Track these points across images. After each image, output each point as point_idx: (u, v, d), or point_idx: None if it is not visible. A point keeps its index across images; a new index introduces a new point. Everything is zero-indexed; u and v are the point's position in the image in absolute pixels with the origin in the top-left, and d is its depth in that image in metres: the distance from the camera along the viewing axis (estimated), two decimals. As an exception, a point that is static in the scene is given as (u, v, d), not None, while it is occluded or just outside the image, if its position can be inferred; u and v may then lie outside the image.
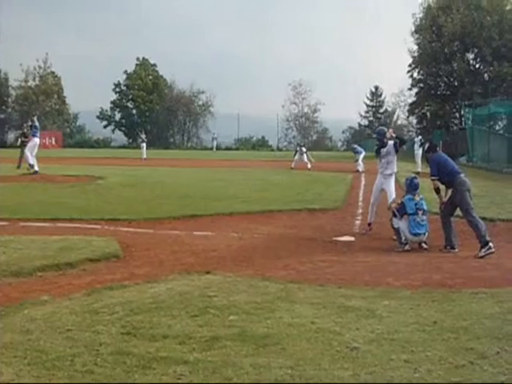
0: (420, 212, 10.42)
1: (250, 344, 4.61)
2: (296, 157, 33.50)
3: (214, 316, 5.39)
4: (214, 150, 71.89)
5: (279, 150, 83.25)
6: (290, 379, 3.93)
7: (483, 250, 9.41)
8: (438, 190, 10.45)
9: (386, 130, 12.54)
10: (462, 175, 10.35)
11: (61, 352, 4.46)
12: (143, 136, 46.54)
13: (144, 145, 43.02)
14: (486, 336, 4.79)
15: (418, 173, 28.24)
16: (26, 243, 9.23)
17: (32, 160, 23.90)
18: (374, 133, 12.75)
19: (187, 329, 5.01)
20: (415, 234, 10.29)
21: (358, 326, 5.07)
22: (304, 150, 34.33)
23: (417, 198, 10.53)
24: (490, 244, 9.47)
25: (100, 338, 4.78)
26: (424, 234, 10.37)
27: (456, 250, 10.00)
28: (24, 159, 26.87)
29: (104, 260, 8.62)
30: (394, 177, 12.22)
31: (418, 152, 30.85)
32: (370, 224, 12.11)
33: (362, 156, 31.40)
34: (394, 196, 11.80)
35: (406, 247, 10.25)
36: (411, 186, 10.73)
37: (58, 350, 4.50)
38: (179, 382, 3.92)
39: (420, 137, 32.10)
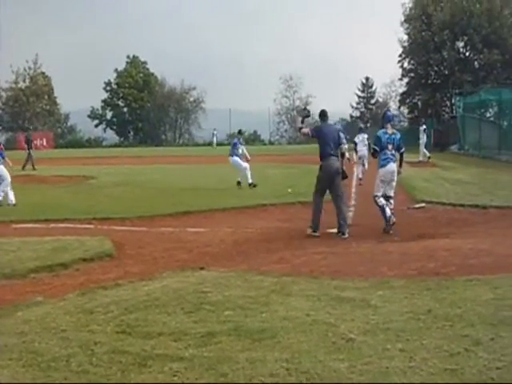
0: (390, 145, 10.81)
1: (246, 339, 4.61)
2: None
3: (208, 312, 5.37)
4: (215, 146, 64.60)
5: (271, 143, 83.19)
6: (285, 372, 3.92)
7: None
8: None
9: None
10: (327, 160, 10.76)
11: (56, 353, 4.45)
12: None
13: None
14: (480, 323, 4.79)
15: (429, 157, 29.33)
16: (18, 245, 9.21)
17: None
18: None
19: (182, 325, 5.00)
20: (383, 165, 10.94)
21: (353, 317, 5.06)
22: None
23: (389, 132, 11.01)
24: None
25: (95, 338, 4.76)
26: (394, 161, 10.87)
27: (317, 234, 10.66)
28: (29, 161, 27.95)
29: (97, 259, 8.61)
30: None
31: (422, 140, 31.30)
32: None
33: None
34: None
35: (388, 226, 10.71)
36: (385, 119, 11.15)
37: (53, 351, 4.48)
38: (175, 379, 3.91)
39: (424, 126, 32.33)
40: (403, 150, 11.30)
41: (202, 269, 7.41)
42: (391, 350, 4.27)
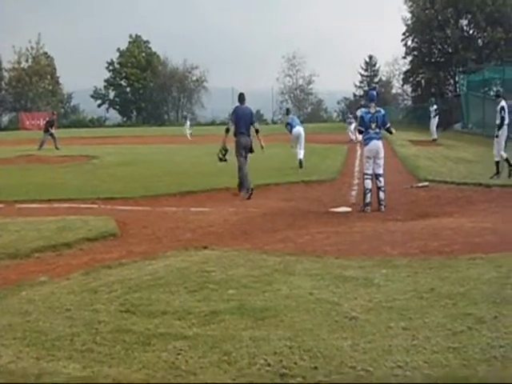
0: (373, 124, 11.19)
1: (249, 317, 4.61)
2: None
3: (212, 291, 5.38)
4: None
5: (274, 123, 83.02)
6: (288, 351, 3.93)
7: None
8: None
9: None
10: (239, 136, 13.10)
11: (60, 332, 4.46)
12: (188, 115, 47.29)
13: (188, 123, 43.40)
14: (483, 301, 4.79)
15: (435, 139, 29.41)
16: (22, 225, 9.23)
17: None
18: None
19: (186, 304, 5.01)
20: (366, 144, 11.38)
21: (356, 296, 5.06)
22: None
23: (372, 111, 11.34)
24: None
25: (99, 317, 4.77)
26: (377, 138, 11.27)
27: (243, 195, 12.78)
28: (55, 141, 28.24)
29: (101, 239, 8.62)
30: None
31: (434, 121, 31.55)
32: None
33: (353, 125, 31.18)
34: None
35: (366, 208, 11.06)
36: (368, 98, 11.65)
37: (58, 330, 4.50)
38: (179, 357, 3.92)
39: (435, 106, 32.34)
40: (388, 125, 11.70)
41: (205, 248, 7.41)
42: (394, 328, 4.27)
